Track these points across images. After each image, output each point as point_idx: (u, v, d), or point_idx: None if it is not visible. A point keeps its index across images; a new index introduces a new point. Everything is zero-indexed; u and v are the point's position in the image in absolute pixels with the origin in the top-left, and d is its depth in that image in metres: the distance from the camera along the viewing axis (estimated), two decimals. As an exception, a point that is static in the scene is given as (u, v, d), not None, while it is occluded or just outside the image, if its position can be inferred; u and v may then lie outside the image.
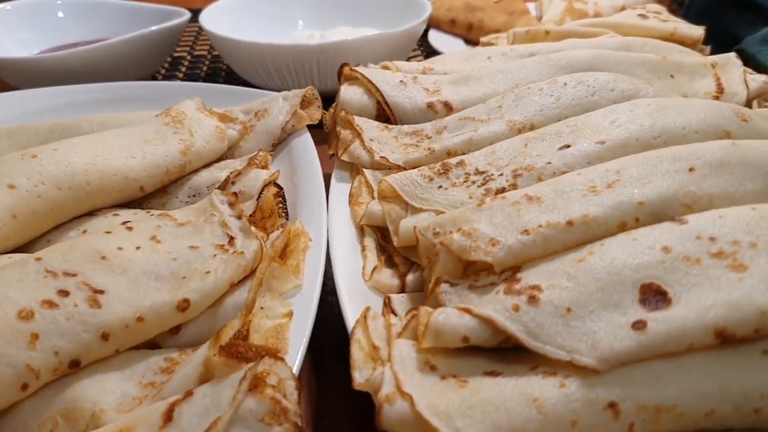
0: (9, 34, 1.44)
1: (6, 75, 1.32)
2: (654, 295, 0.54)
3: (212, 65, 1.60)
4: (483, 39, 1.37)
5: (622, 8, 1.51)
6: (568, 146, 0.77)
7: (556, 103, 0.90)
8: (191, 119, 0.98)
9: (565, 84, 0.92)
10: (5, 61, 1.28)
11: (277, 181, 0.93)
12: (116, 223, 0.80)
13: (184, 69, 1.58)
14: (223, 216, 0.78)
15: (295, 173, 0.94)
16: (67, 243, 0.70)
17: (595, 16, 1.51)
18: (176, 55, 1.67)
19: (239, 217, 0.78)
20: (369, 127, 0.95)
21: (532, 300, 0.56)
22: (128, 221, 0.80)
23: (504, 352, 0.58)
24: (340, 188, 0.88)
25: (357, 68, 1.04)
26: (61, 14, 1.53)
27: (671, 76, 1.00)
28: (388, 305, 0.68)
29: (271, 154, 1.00)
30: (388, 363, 0.57)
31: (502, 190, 0.74)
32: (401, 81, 1.01)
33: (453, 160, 0.82)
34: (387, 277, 0.73)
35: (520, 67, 1.02)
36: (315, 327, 0.67)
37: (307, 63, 1.24)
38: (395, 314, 0.67)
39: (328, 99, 1.05)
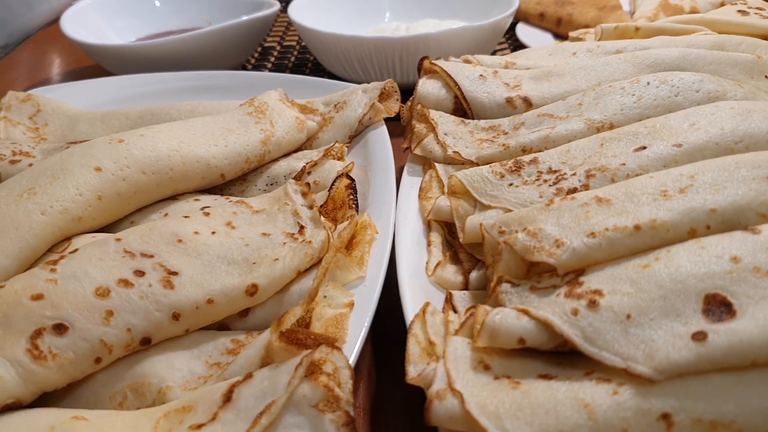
0: (108, 23, 1.51)
1: (104, 61, 1.39)
2: (718, 306, 0.52)
3: (300, 56, 1.63)
4: (572, 34, 1.35)
5: (721, 4, 1.45)
6: (644, 148, 0.75)
7: (638, 103, 0.87)
8: (273, 110, 1.01)
9: (648, 83, 0.89)
10: (103, 48, 1.34)
11: (351, 173, 0.94)
12: (196, 208, 0.84)
13: (272, 59, 1.62)
14: (296, 205, 0.80)
15: (369, 165, 0.95)
16: (147, 225, 0.74)
17: (691, 12, 1.45)
18: (266, 45, 1.71)
19: (311, 207, 0.80)
20: (445, 121, 0.95)
21: (592, 305, 0.55)
22: (207, 206, 0.83)
23: (560, 356, 0.57)
24: (412, 182, 0.89)
25: (437, 61, 1.04)
26: (157, 3, 1.60)
27: (766, 77, 0.96)
28: (449, 301, 0.69)
29: (347, 146, 1.02)
30: (442, 359, 0.57)
31: (574, 191, 0.73)
32: (481, 75, 1.01)
33: (526, 158, 0.81)
34: (450, 273, 0.74)
35: (604, 64, 1.00)
36: (379, 318, 0.69)
37: (389, 55, 1.25)
38: (455, 311, 0.67)
39: (411, 92, 1.05)
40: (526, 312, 0.57)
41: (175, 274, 0.68)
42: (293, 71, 1.54)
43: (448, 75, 1.00)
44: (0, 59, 1.73)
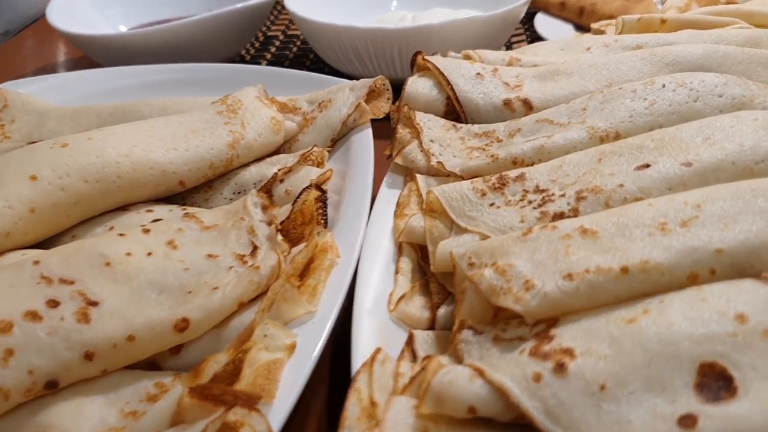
0: (99, 11, 1.43)
1: (91, 52, 1.31)
2: (716, 380, 0.42)
3: (302, 47, 1.53)
4: (594, 26, 1.23)
5: (762, -7, 1.31)
6: (648, 166, 0.63)
7: (650, 109, 0.76)
8: (246, 108, 0.91)
9: (664, 86, 0.78)
10: (87, 38, 1.26)
11: (331, 181, 0.85)
12: (148, 220, 0.75)
13: (273, 49, 1.53)
14: (253, 221, 0.71)
15: (347, 173, 0.85)
16: (74, 245, 0.65)
17: (728, 2, 1.31)
18: (270, 34, 1.62)
19: (270, 224, 0.71)
20: (432, 125, 0.84)
21: (559, 369, 0.45)
22: (158, 219, 0.75)
23: (522, 430, 0.47)
24: (389, 196, 0.78)
25: (430, 57, 0.93)
26: (152, -10, 1.51)
27: (804, 79, 0.83)
28: (409, 344, 0.59)
29: (329, 150, 0.92)
30: (377, 429, 0.47)
31: (560, 216, 0.62)
32: (478, 73, 0.90)
33: (512, 173, 0.70)
34: (416, 308, 0.63)
35: (618, 62, 0.89)
36: (339, 353, 0.60)
37: (387, 48, 1.15)
38: (416, 357, 0.57)
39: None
40: (481, 373, 0.47)
41: (94, 304, 0.59)
42: (293, 63, 1.44)
43: (441, 72, 0.89)
44: (0, 45, 1.68)
